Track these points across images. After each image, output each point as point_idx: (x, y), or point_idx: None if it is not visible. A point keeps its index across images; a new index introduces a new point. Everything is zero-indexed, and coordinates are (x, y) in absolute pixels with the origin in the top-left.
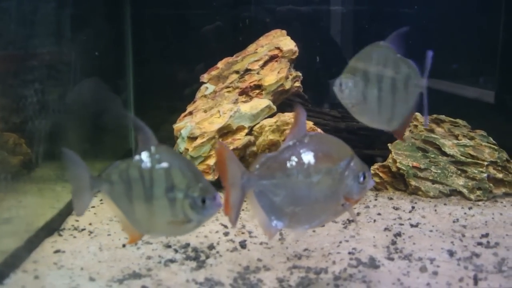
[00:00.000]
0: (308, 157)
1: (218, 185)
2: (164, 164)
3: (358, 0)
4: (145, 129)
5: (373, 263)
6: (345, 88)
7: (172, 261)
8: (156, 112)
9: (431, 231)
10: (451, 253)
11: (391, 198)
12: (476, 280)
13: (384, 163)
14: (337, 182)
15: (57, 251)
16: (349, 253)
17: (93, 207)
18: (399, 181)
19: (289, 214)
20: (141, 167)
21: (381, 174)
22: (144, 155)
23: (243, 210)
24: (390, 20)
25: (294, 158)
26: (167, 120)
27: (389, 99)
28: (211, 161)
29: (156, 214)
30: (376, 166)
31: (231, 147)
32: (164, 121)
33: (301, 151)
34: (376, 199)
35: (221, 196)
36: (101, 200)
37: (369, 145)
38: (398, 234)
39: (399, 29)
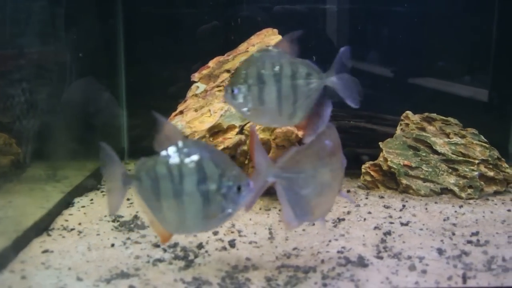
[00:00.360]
0: (331, 150)
1: None
2: (194, 157)
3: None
4: (168, 125)
5: (361, 262)
6: (239, 94)
7: (160, 260)
8: (148, 111)
9: (421, 229)
10: (440, 252)
11: (382, 197)
12: (465, 278)
13: (375, 161)
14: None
15: (45, 251)
16: (338, 252)
17: (83, 206)
18: (390, 180)
19: (312, 208)
20: (169, 163)
21: (372, 173)
22: (171, 150)
23: None
24: (384, 18)
25: (321, 152)
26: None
27: (287, 98)
28: None
29: (188, 210)
30: (367, 164)
31: (222, 146)
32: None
33: (326, 144)
34: (367, 198)
35: None
36: (91, 200)
37: (361, 143)
38: (388, 233)
39: (292, 32)
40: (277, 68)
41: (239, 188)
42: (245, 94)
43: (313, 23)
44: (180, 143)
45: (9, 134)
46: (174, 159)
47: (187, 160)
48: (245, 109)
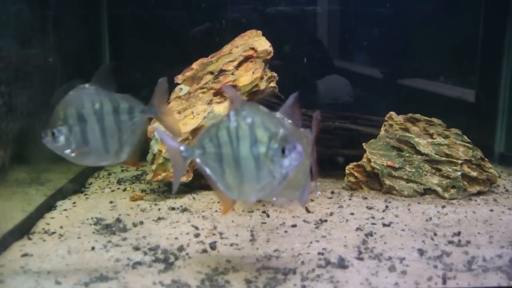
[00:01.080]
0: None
1: (193, 186)
2: (248, 120)
3: (344, 1)
4: (233, 91)
5: (342, 263)
6: (59, 136)
7: (140, 263)
8: None
9: (403, 230)
10: (421, 252)
11: (365, 198)
12: (444, 279)
13: (359, 162)
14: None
15: (24, 255)
16: (319, 253)
17: (66, 210)
18: (374, 181)
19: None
20: (228, 127)
21: (356, 174)
22: (231, 114)
23: (215, 211)
24: (373, 20)
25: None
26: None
27: (112, 135)
28: None
29: (244, 174)
30: (351, 165)
31: None
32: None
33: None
34: (350, 199)
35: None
36: (74, 203)
37: (346, 145)
38: (370, 234)
39: (100, 68)
40: (97, 106)
41: (283, 151)
42: (66, 135)
43: (304, 25)
44: (239, 106)
45: None
46: (232, 123)
47: (242, 122)
48: (67, 151)
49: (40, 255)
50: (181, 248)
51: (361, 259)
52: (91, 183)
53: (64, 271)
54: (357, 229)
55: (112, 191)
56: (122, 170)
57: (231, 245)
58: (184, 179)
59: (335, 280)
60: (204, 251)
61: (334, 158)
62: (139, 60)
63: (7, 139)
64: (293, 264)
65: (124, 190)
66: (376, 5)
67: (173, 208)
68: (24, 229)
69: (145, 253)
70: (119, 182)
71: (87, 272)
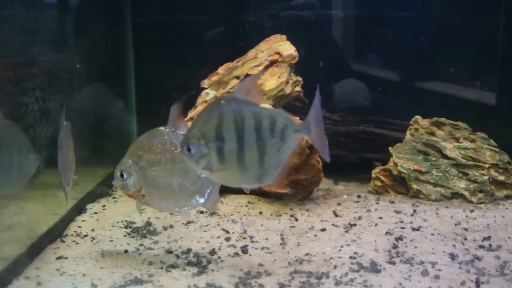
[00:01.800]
0: None
1: (220, 190)
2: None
3: (360, 5)
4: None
5: (374, 267)
6: (196, 153)
7: (173, 266)
8: (158, 118)
9: (432, 234)
10: (452, 257)
11: (392, 202)
12: (478, 283)
13: (385, 166)
14: None
15: (59, 258)
16: (350, 257)
17: (96, 213)
18: (400, 185)
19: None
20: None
21: (382, 178)
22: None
23: (244, 215)
24: (391, 24)
25: None
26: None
27: (255, 155)
28: None
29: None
30: (377, 169)
31: None
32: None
33: None
34: (377, 203)
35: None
36: (103, 206)
37: (371, 149)
38: (400, 238)
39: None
40: (246, 122)
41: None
42: (202, 153)
43: (319, 29)
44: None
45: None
46: None
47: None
48: (206, 169)
49: (74, 257)
50: (213, 252)
51: (392, 263)
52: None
53: (99, 273)
54: (387, 233)
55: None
56: None
57: (262, 248)
58: None
59: (369, 284)
60: (236, 254)
61: (358, 161)
62: (162, 65)
63: (41, 143)
64: (326, 268)
65: None
66: (393, 9)
67: (202, 212)
68: (56, 232)
69: (178, 256)
70: None
71: (122, 275)
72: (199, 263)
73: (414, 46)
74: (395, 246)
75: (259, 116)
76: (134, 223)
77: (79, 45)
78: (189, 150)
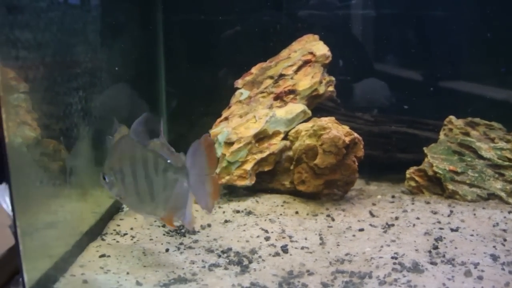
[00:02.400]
0: None
1: (254, 189)
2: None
3: (384, 4)
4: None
5: (416, 268)
6: (109, 182)
7: (215, 265)
8: (188, 117)
9: (471, 235)
10: (494, 258)
11: (428, 202)
12: None
13: (420, 166)
14: None
15: (102, 256)
16: (392, 257)
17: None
18: (435, 185)
19: None
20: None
21: (417, 178)
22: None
23: (280, 215)
24: (418, 23)
25: None
26: (198, 125)
27: (146, 189)
28: (248, 166)
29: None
30: (411, 170)
31: (268, 152)
32: (195, 126)
33: None
34: (413, 203)
35: None
36: None
37: (403, 149)
38: (439, 239)
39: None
40: (137, 161)
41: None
42: (112, 183)
43: (340, 28)
44: None
45: (60, 140)
46: None
47: None
48: (115, 195)
49: (116, 256)
50: (253, 251)
51: (434, 263)
52: None
53: (143, 272)
54: (425, 233)
55: None
56: None
57: (302, 248)
58: (247, 182)
59: (413, 284)
60: (277, 254)
61: (390, 162)
62: (192, 64)
63: (85, 142)
64: (367, 268)
65: None
66: (419, 8)
67: (237, 211)
68: (97, 231)
69: (219, 256)
70: None
71: (165, 274)
72: (241, 262)
73: (437, 45)
74: (435, 247)
75: (146, 156)
76: None
77: (116, 45)
78: (104, 178)
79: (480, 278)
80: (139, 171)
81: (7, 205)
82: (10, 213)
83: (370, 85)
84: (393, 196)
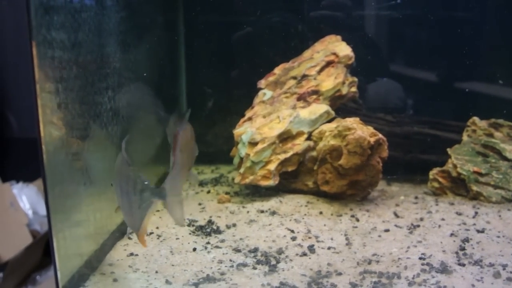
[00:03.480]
0: None
1: (277, 189)
2: None
3: (398, 5)
4: None
5: (445, 269)
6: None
7: (244, 265)
8: (209, 116)
9: (498, 237)
10: None
11: (452, 204)
12: None
13: (443, 168)
14: None
15: (130, 254)
16: (420, 258)
17: (158, 211)
18: (459, 186)
19: None
20: None
21: (440, 179)
22: None
23: (305, 215)
24: (437, 23)
25: None
26: (219, 124)
27: (127, 206)
28: (272, 166)
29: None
30: (435, 171)
31: (291, 152)
32: (215, 125)
33: None
34: (437, 204)
35: None
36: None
37: (425, 150)
38: (466, 240)
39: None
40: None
41: None
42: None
43: (353, 29)
44: None
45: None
46: None
47: None
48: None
49: (144, 255)
50: (280, 251)
51: (462, 264)
52: None
53: (171, 271)
54: (451, 234)
55: (197, 193)
56: (198, 173)
57: (329, 248)
58: (271, 182)
59: (442, 285)
60: (304, 254)
61: (412, 163)
62: (213, 64)
63: (112, 141)
64: (395, 268)
65: (208, 192)
66: (445, 8)
67: (262, 211)
68: (123, 229)
69: (246, 255)
70: (200, 184)
71: (193, 273)
72: (268, 262)
73: (452, 45)
74: (462, 248)
75: (128, 175)
76: (197, 221)
77: (142, 46)
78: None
79: (509, 279)
80: (124, 187)
81: (24, 204)
82: (28, 211)
83: (384, 86)
84: (416, 197)
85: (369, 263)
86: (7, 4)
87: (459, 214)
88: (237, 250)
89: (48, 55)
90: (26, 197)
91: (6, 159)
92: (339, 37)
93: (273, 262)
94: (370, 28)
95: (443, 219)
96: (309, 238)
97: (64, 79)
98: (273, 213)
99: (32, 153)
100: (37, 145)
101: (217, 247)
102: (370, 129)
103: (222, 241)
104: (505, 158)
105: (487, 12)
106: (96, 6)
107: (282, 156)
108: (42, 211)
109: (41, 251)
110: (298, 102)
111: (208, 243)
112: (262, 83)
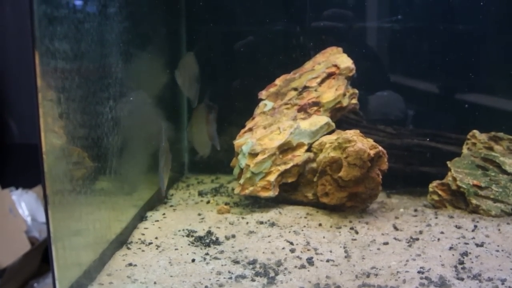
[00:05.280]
0: None
1: (277, 200)
2: None
3: (400, 17)
4: None
5: (444, 283)
6: None
7: (242, 277)
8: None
9: (497, 251)
10: None
11: (451, 217)
12: None
13: (443, 180)
14: None
15: (129, 265)
16: (418, 272)
17: (157, 221)
18: (458, 199)
19: None
20: None
21: (440, 192)
22: None
23: (304, 226)
24: (438, 36)
25: None
26: (220, 134)
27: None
28: (272, 177)
29: None
30: (434, 183)
31: (291, 164)
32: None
33: None
34: (436, 217)
35: None
36: (164, 214)
37: (425, 162)
38: (465, 254)
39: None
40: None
41: None
42: None
43: (352, 40)
44: None
45: (84, 148)
46: None
47: None
48: None
49: (143, 265)
50: (279, 263)
51: (461, 279)
52: (172, 195)
53: (170, 282)
54: (450, 248)
55: (196, 203)
56: (198, 182)
57: (327, 261)
58: (270, 193)
59: None
60: (303, 266)
61: (412, 175)
62: (214, 74)
63: (113, 151)
64: (394, 282)
65: (208, 202)
66: (443, 21)
67: (261, 222)
68: (122, 239)
69: (245, 267)
70: (200, 194)
71: (192, 284)
72: (267, 274)
73: (453, 57)
74: (461, 262)
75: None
76: (196, 232)
77: (144, 55)
78: None
79: None
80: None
81: (23, 210)
82: (27, 218)
83: (385, 98)
84: (415, 210)
85: (368, 276)
86: (10, 11)
87: (458, 227)
88: (236, 262)
89: (51, 65)
90: (25, 204)
91: (6, 165)
92: (340, 49)
93: (272, 274)
94: (371, 39)
95: (442, 232)
96: (308, 250)
97: (66, 89)
98: (273, 224)
99: (32, 159)
100: (37, 151)
101: (216, 258)
102: (370, 141)
103: (221, 252)
104: (505, 172)
105: (488, 25)
106: (99, 16)
107: (282, 168)
108: (41, 218)
109: (40, 258)
110: (299, 114)
111: (207, 254)
112: (263, 94)
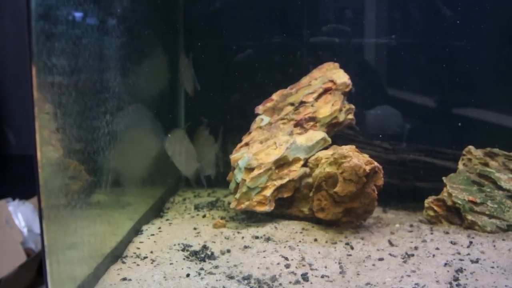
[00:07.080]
0: None
1: (273, 215)
2: None
3: (397, 33)
4: None
5: None
6: None
7: None
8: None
9: (492, 267)
10: None
11: (447, 232)
12: None
13: (439, 196)
14: None
15: (123, 279)
16: None
17: (152, 235)
18: (453, 215)
19: None
20: None
21: (435, 208)
22: None
23: (299, 241)
24: (434, 50)
25: None
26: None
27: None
28: (268, 192)
29: None
30: (430, 199)
31: (287, 179)
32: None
33: None
34: (432, 233)
35: None
36: (159, 228)
37: (421, 177)
38: (460, 270)
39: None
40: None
41: None
42: None
43: (348, 55)
44: None
45: (81, 161)
46: None
47: None
48: None
49: (138, 279)
50: (273, 278)
51: None
52: (168, 208)
53: None
54: (445, 264)
55: (192, 217)
56: (195, 196)
57: (322, 276)
58: (266, 208)
59: None
60: (297, 282)
61: (408, 190)
62: (211, 88)
63: (109, 165)
64: None
65: (204, 216)
66: (442, 38)
67: (256, 237)
68: (117, 253)
69: (240, 282)
70: (196, 208)
71: None
72: None
73: (450, 72)
74: (456, 278)
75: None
76: (191, 246)
77: (141, 70)
78: None
79: None
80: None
81: (19, 222)
82: (23, 229)
83: (382, 113)
84: (411, 225)
85: None
86: (9, 23)
87: (453, 243)
88: (230, 277)
89: (48, 79)
90: (21, 215)
91: (2, 176)
92: (336, 65)
93: None
94: (368, 55)
95: (437, 248)
96: (303, 265)
97: (63, 103)
98: (268, 239)
99: (29, 170)
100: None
101: (210, 273)
102: (366, 157)
103: (216, 267)
104: (500, 188)
105: (485, 40)
106: (97, 32)
107: (278, 182)
108: (38, 229)
109: (35, 270)
110: (295, 129)
111: (201, 269)
112: (259, 108)
